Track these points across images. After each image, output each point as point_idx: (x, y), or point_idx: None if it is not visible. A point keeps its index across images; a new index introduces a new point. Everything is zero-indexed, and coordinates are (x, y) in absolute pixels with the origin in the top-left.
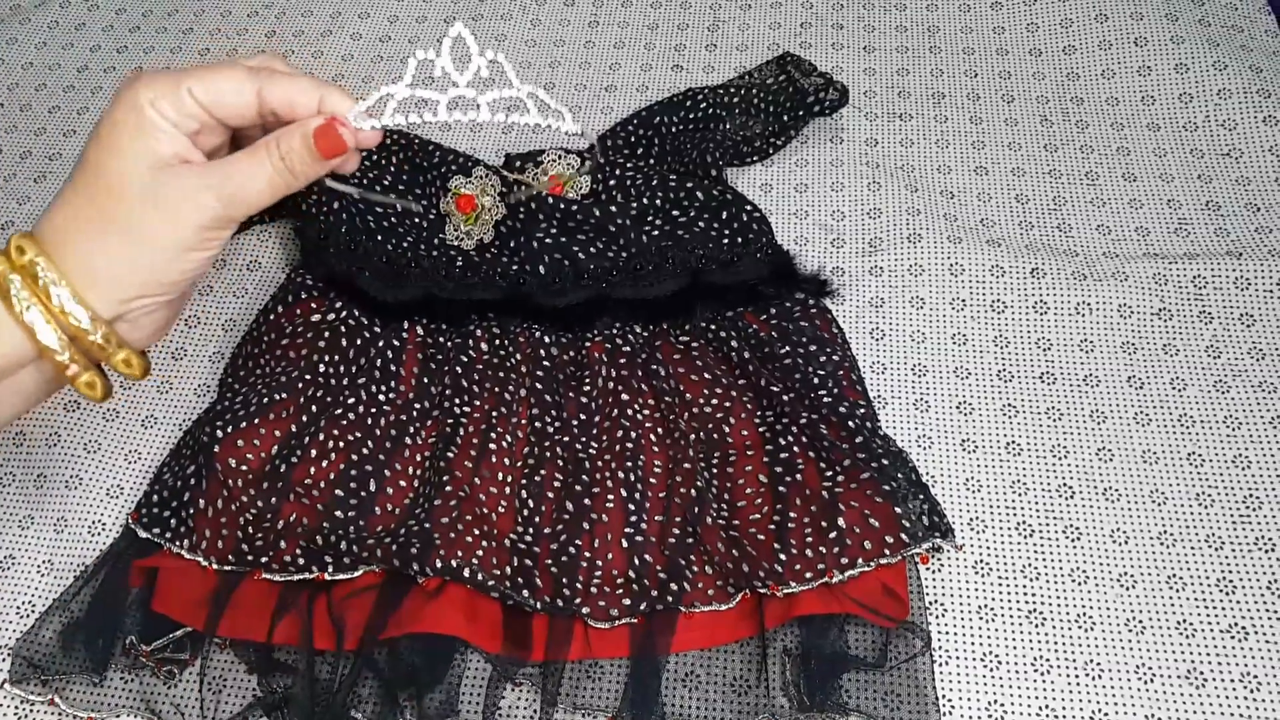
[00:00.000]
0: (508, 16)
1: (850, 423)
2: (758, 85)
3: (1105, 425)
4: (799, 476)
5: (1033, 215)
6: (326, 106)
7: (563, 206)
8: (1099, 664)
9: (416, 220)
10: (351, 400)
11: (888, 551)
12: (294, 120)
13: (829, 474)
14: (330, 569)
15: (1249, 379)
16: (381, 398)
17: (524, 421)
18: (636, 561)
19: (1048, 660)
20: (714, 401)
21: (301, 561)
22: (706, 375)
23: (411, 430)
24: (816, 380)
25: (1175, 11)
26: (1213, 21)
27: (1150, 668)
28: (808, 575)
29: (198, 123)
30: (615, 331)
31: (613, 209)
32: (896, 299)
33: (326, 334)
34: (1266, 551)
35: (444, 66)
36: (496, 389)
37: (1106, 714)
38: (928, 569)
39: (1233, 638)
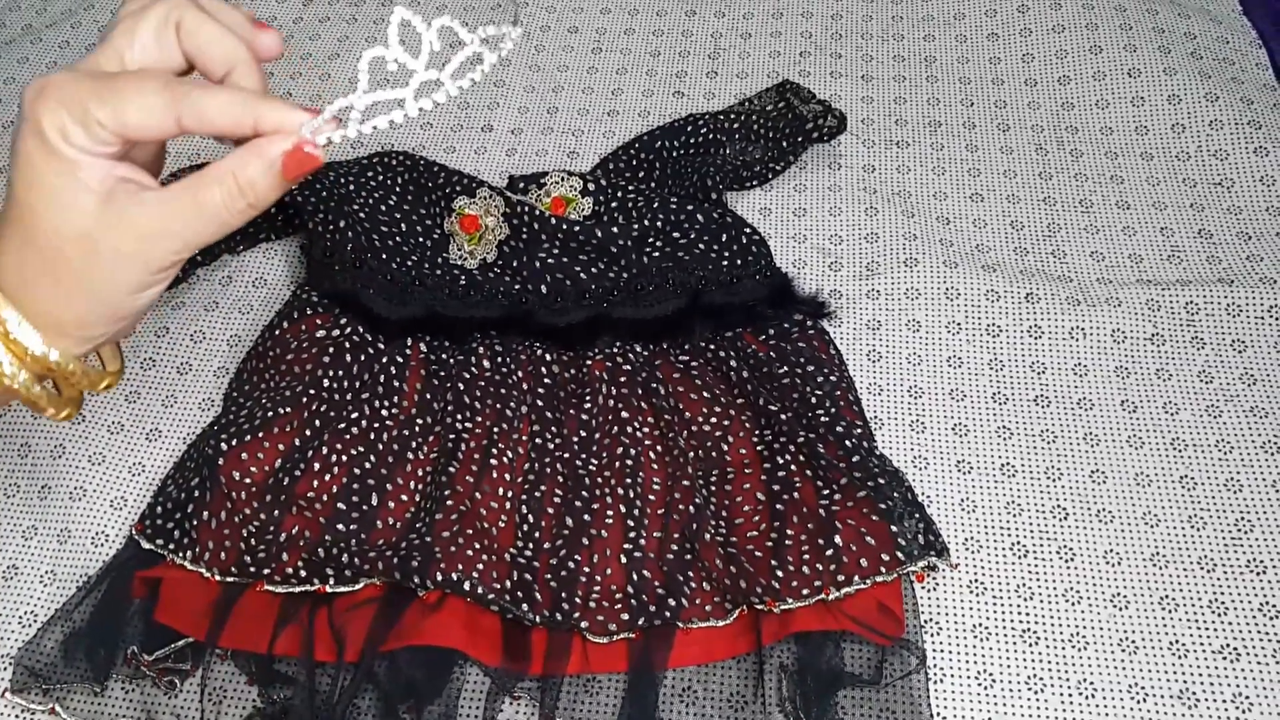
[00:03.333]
0: (511, 43)
1: (847, 442)
2: (757, 112)
3: (1099, 448)
4: (796, 494)
5: (1028, 241)
6: (267, 125)
7: (565, 227)
8: (1092, 684)
9: (420, 240)
10: (354, 415)
11: (883, 569)
12: (230, 136)
13: (826, 492)
14: (331, 581)
15: (1240, 404)
16: (384, 413)
17: (525, 438)
18: (635, 577)
19: (1041, 679)
20: (713, 420)
21: (303, 574)
22: (705, 394)
23: (414, 445)
24: (814, 400)
25: (1168, 44)
26: (1204, 54)
27: (1143, 688)
28: (804, 592)
29: (117, 143)
30: (616, 350)
31: (614, 230)
32: (893, 322)
33: (330, 349)
34: (1258, 574)
35: (397, 59)
36: (498, 405)
37: None
38: (923, 588)
39: (1225, 659)
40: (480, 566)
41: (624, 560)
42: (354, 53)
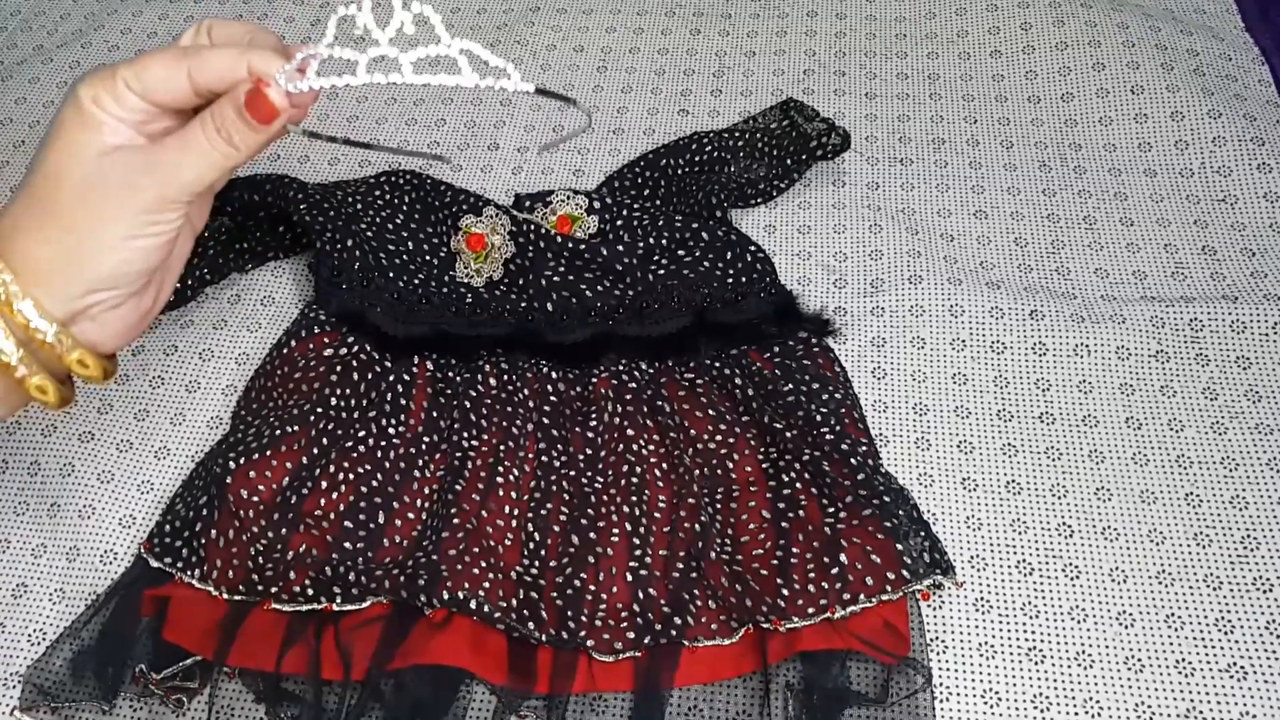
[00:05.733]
0: (519, 62)
1: (852, 460)
2: (762, 130)
3: (1104, 465)
4: (801, 513)
5: (1032, 258)
6: (255, 70)
7: (570, 245)
8: (1098, 702)
9: (427, 258)
10: (361, 433)
11: (889, 588)
12: (231, 84)
13: (831, 510)
14: (339, 600)
15: (1245, 421)
16: (391, 431)
17: (531, 456)
18: (640, 595)
19: (1047, 698)
20: (718, 438)
21: (310, 592)
22: (711, 412)
23: (420, 463)
24: (819, 418)
25: (1171, 61)
26: (1207, 71)
27: (1150, 706)
28: (810, 610)
29: (142, 113)
30: (621, 368)
31: (619, 248)
32: (898, 339)
33: (338, 368)
34: (1265, 592)
35: (365, 23)
36: (504, 423)
37: None
38: (929, 606)
39: (1231, 677)
40: (486, 585)
41: (630, 578)
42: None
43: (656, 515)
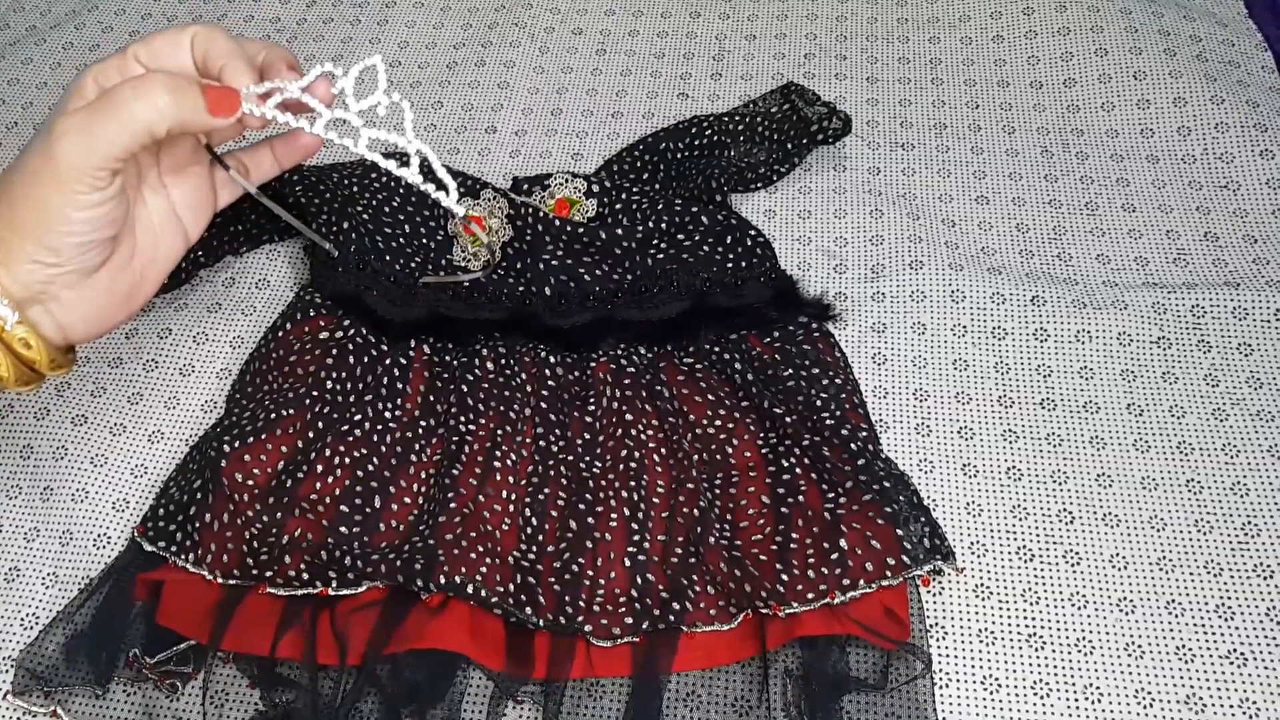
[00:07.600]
0: (516, 44)
1: (852, 445)
2: (762, 113)
3: (1105, 452)
4: (801, 498)
5: (1033, 244)
6: (224, 76)
7: (569, 229)
8: (1099, 688)
9: (424, 241)
10: (358, 417)
11: (889, 573)
12: (216, 69)
13: (831, 496)
14: (334, 584)
15: (1247, 408)
16: (388, 415)
17: (529, 440)
18: (639, 580)
19: (1047, 684)
20: (717, 423)
21: (306, 576)
22: (710, 396)
23: (417, 447)
24: (819, 403)
25: (1173, 47)
26: (1210, 57)
27: (1149, 693)
28: (809, 596)
29: None
30: (620, 352)
31: (618, 232)
32: (898, 324)
33: (334, 351)
34: (1265, 578)
35: (344, 87)
36: (502, 408)
37: None
38: (928, 592)
39: (1231, 664)
40: (484, 569)
41: (628, 563)
42: (357, 54)
43: (655, 500)
